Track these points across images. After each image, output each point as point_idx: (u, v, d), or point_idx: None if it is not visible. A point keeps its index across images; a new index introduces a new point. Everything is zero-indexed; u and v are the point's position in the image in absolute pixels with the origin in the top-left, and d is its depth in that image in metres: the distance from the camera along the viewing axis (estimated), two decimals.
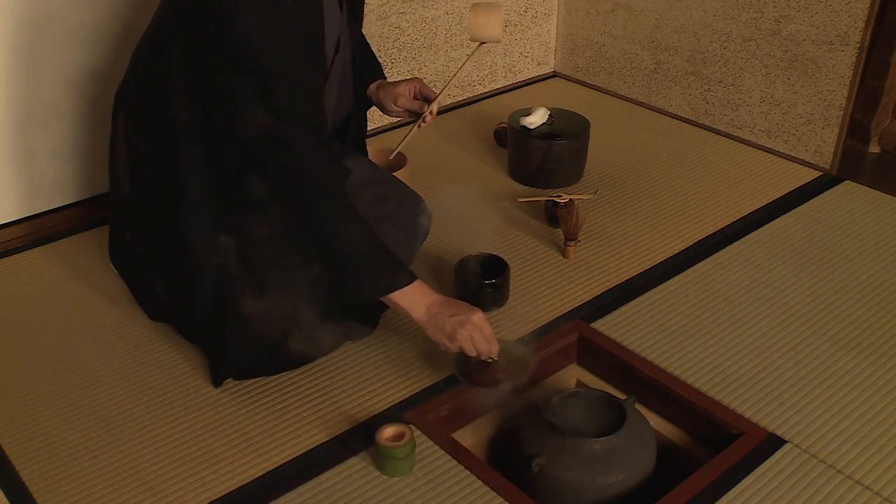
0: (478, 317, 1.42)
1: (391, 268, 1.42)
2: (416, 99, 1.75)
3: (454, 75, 1.77)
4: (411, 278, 1.42)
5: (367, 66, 1.80)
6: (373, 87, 1.77)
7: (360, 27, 1.80)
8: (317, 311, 1.48)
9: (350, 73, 1.70)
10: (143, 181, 1.58)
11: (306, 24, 1.41)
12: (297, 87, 1.38)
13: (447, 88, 1.71)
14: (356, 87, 1.75)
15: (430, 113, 1.71)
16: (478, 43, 1.75)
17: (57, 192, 2.04)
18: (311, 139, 1.39)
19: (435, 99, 1.71)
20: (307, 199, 1.39)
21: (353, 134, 1.77)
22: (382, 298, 1.43)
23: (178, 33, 1.45)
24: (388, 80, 1.82)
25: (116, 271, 1.79)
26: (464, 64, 1.76)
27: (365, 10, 2.35)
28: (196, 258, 1.51)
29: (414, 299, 1.42)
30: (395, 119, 2.57)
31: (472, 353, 1.44)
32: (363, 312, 1.61)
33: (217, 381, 1.54)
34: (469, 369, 1.47)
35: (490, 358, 1.45)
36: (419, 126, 1.73)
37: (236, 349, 1.52)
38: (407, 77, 2.53)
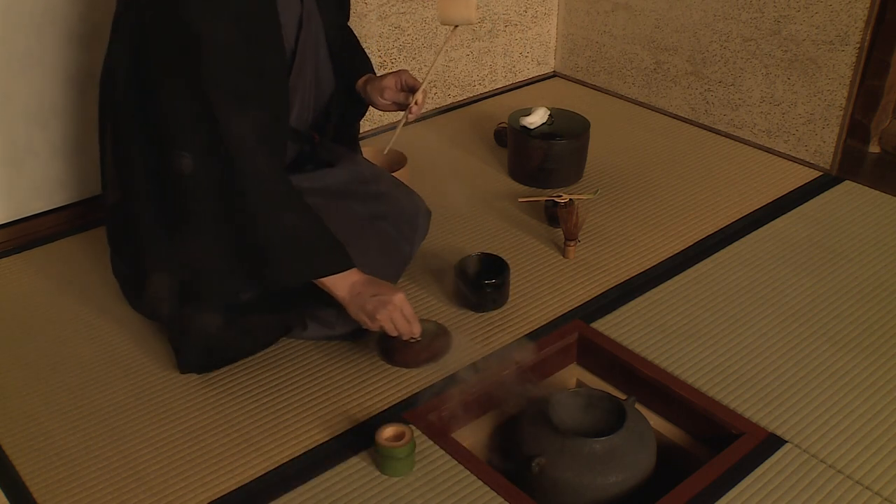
0: (399, 297, 1.44)
1: (323, 250, 1.44)
2: (402, 90, 1.72)
3: (433, 64, 1.71)
4: (344, 263, 1.44)
5: (353, 62, 1.79)
6: (360, 82, 1.76)
7: (347, 18, 1.79)
8: (244, 300, 1.51)
9: (326, 54, 1.68)
10: (122, 183, 1.59)
11: (253, 4, 1.41)
12: (236, 69, 1.38)
13: (429, 77, 1.68)
14: (343, 77, 1.74)
15: (416, 103, 1.68)
16: (451, 27, 1.66)
17: (56, 191, 2.04)
18: (241, 116, 1.39)
19: (419, 88, 1.68)
20: (234, 178, 1.39)
21: (336, 120, 1.76)
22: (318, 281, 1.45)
23: (129, 25, 1.46)
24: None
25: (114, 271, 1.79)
26: (441, 51, 1.71)
27: (365, 9, 2.36)
28: (150, 252, 1.54)
29: (337, 277, 1.44)
30: (395, 118, 2.57)
31: (393, 334, 1.47)
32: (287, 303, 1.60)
33: (182, 368, 1.56)
34: (390, 349, 1.50)
35: (412, 338, 1.48)
36: (406, 118, 1.70)
37: (188, 340, 1.54)
38: None
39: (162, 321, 1.63)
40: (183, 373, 1.56)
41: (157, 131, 1.44)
